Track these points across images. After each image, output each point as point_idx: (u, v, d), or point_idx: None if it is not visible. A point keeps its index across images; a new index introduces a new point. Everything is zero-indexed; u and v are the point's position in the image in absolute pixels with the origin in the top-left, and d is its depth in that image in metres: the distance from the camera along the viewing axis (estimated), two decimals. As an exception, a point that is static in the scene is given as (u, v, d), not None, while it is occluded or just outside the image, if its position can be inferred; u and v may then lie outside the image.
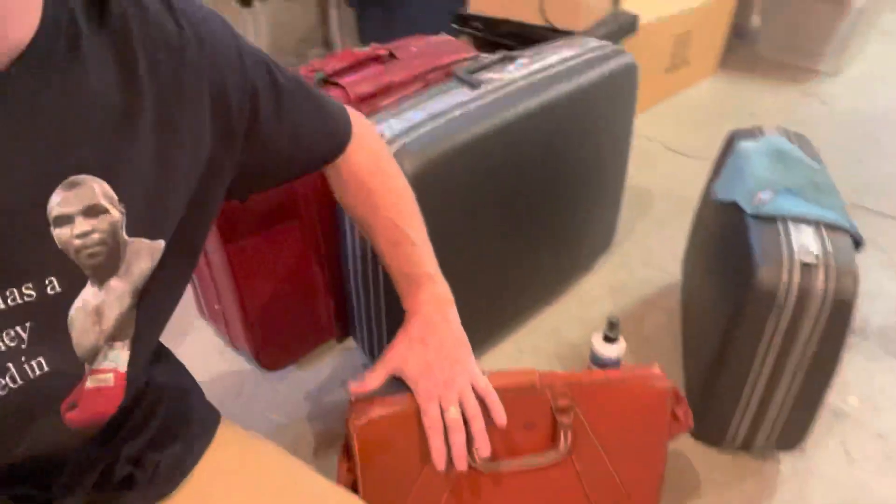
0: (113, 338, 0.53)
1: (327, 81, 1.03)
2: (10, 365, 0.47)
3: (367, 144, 0.73)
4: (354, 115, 0.73)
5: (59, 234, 0.45)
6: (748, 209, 0.94)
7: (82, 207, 0.46)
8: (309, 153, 0.68)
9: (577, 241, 1.34)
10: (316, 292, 1.15)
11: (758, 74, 2.21)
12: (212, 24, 0.54)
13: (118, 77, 0.47)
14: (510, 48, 1.59)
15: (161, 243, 0.51)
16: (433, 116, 0.97)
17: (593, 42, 1.24)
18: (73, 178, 0.45)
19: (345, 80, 1.03)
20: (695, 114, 2.00)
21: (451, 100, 1.02)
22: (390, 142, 0.92)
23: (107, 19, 0.47)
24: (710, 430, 1.03)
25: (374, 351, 1.16)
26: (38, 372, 0.48)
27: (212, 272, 1.10)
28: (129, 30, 0.48)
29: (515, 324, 1.27)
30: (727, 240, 1.01)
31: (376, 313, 1.09)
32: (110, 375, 0.56)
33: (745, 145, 1.07)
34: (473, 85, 1.06)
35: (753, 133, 1.12)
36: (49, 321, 0.47)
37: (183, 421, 0.66)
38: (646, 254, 1.46)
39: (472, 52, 1.19)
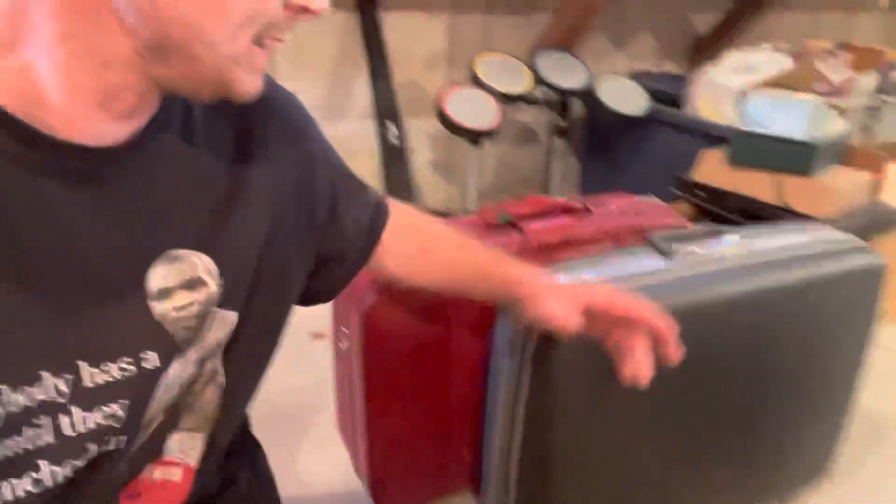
0: (189, 425, 0.51)
1: (510, 223, 0.99)
2: (91, 445, 0.46)
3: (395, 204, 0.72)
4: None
5: (158, 306, 0.46)
6: None
7: (182, 281, 0.47)
8: (370, 229, 0.66)
9: (774, 466, 1.07)
10: (451, 433, 1.05)
11: None
12: (304, 113, 0.59)
13: (228, 158, 0.50)
14: (736, 224, 1.44)
15: (234, 315, 0.51)
16: (607, 279, 0.87)
17: (831, 233, 1.05)
18: (174, 253, 0.47)
19: (529, 226, 0.98)
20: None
21: (635, 265, 0.90)
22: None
23: (217, 125, 0.51)
24: None
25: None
26: (113, 453, 0.47)
27: (351, 388, 1.07)
28: (242, 113, 0.51)
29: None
30: None
31: (507, 473, 0.95)
32: (179, 470, 0.54)
33: None
34: (666, 253, 0.93)
35: None
36: (142, 398, 0.47)
37: None
38: (874, 500, 1.13)
39: (681, 220, 1.07)
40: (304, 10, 0.44)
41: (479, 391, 1.01)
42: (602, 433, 0.89)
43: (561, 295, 0.65)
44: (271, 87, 0.54)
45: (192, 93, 0.45)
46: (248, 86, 0.45)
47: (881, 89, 2.09)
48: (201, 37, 0.41)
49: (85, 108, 0.41)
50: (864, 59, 2.09)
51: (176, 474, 0.54)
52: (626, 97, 1.88)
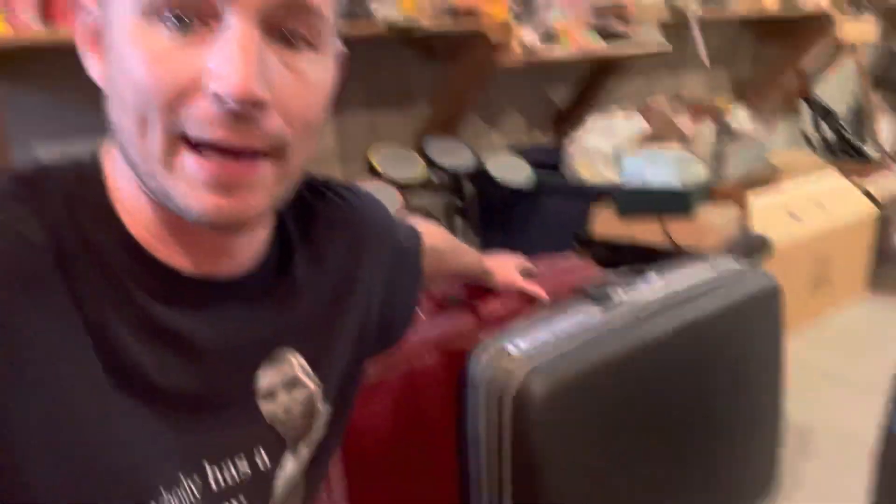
0: None
1: (460, 303, 1.04)
2: None
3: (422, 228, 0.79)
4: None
5: (265, 406, 0.50)
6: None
7: (284, 381, 0.51)
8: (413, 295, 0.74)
9: (729, 479, 1.16)
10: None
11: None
12: (385, 212, 0.65)
13: (328, 274, 0.55)
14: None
15: (328, 408, 0.55)
16: (565, 337, 0.93)
17: (728, 262, 1.19)
18: (276, 353, 0.51)
19: (478, 302, 1.04)
20: (848, 339, 1.83)
21: (583, 320, 0.98)
22: (518, 361, 0.88)
23: (314, 221, 0.55)
24: None
25: None
26: None
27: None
28: (336, 226, 0.56)
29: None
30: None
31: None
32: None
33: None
34: (604, 304, 1.02)
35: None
36: (262, 496, 0.51)
37: None
38: None
39: (600, 273, 1.17)
40: (217, 97, 0.38)
41: (458, 461, 1.02)
42: (580, 477, 0.93)
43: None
44: (357, 194, 0.60)
45: (167, 212, 0.43)
46: (191, 200, 0.40)
47: (718, 134, 2.42)
48: (123, 134, 0.41)
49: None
50: (699, 110, 2.41)
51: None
52: (512, 170, 2.03)
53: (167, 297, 0.45)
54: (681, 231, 1.57)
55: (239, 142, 0.40)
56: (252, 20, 0.39)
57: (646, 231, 1.61)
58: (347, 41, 0.50)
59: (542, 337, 0.93)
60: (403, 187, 1.84)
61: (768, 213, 1.80)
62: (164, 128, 0.39)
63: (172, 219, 0.43)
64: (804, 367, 1.66)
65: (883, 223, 2.11)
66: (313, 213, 0.55)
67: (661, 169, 1.58)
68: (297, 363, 0.52)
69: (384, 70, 2.01)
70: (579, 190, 1.91)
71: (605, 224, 1.68)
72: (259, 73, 0.38)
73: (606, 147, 1.93)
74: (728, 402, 1.12)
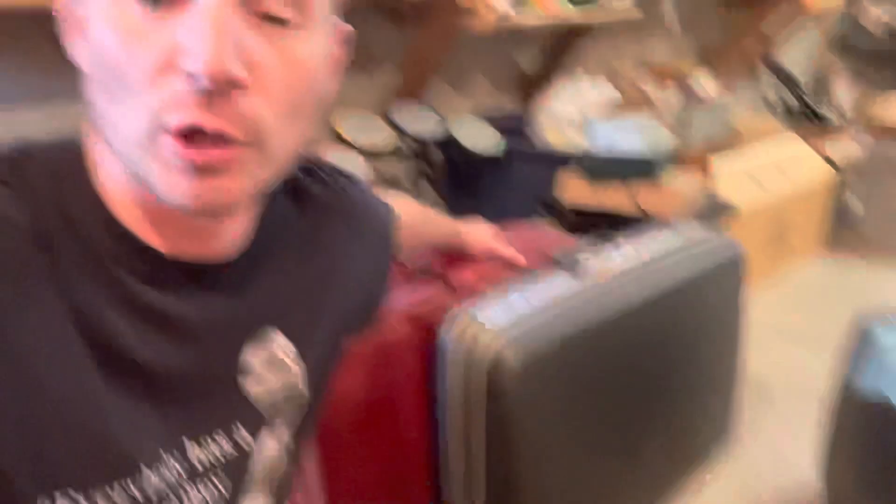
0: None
1: (428, 271, 1.03)
2: None
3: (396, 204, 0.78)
4: None
5: (247, 385, 0.50)
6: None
7: (267, 360, 0.51)
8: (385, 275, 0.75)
9: (690, 433, 1.20)
10: (407, 477, 1.06)
11: (866, 258, 2.10)
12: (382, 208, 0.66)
13: (317, 259, 0.55)
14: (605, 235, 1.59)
15: (308, 387, 0.55)
16: (538, 307, 0.94)
17: (697, 231, 1.21)
18: (261, 332, 0.51)
19: (447, 271, 1.03)
20: (804, 297, 1.89)
21: (555, 289, 0.98)
22: (491, 333, 0.88)
23: (309, 205, 0.55)
24: None
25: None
26: None
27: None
28: (331, 213, 0.57)
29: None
30: (889, 446, 0.87)
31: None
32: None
33: (889, 336, 0.96)
34: (575, 272, 1.02)
35: (889, 320, 1.01)
36: (240, 474, 0.51)
37: None
38: (777, 457, 1.29)
39: (570, 239, 1.18)
40: (189, 75, 0.36)
41: (429, 433, 1.03)
42: (552, 447, 0.95)
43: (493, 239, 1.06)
44: (355, 182, 0.61)
45: (149, 195, 0.41)
46: (169, 185, 0.39)
47: (684, 99, 2.43)
48: (103, 121, 0.40)
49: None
50: (664, 75, 2.42)
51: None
52: (479, 137, 2.02)
53: (151, 279, 0.44)
54: (647, 197, 1.58)
55: (215, 125, 0.37)
56: None
57: (613, 197, 1.62)
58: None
59: (514, 307, 0.94)
60: (370, 154, 1.82)
61: (731, 178, 1.83)
62: (141, 110, 0.37)
63: (155, 202, 0.42)
64: (761, 324, 1.71)
65: (840, 186, 2.16)
66: (308, 195, 0.55)
67: (629, 135, 1.59)
68: (280, 343, 0.52)
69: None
70: (546, 155, 1.91)
71: (573, 190, 1.68)
72: (233, 49, 0.36)
73: (574, 112, 1.92)
74: (692, 363, 1.15)
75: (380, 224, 0.65)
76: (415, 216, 0.85)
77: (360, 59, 2.07)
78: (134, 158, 0.39)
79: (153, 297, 0.44)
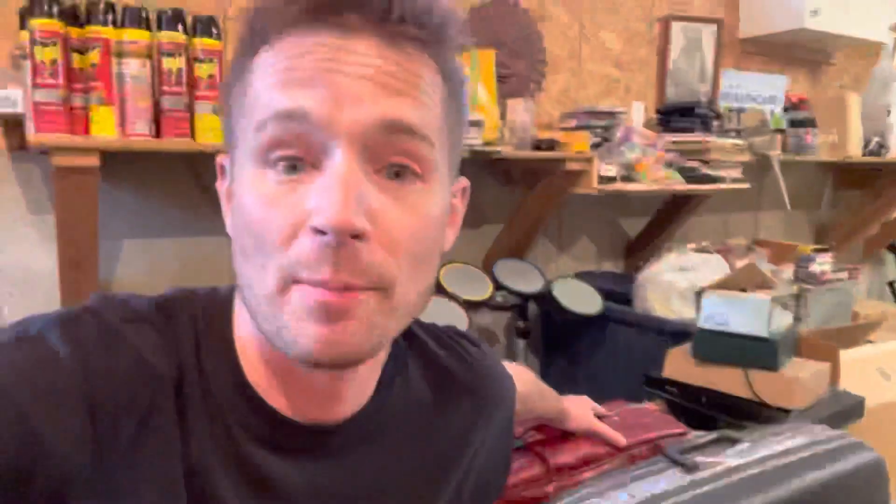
0: None
1: (525, 448, 0.97)
2: None
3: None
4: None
5: None
6: None
7: None
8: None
9: None
10: None
11: None
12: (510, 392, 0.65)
13: (438, 439, 0.53)
14: (712, 419, 1.47)
15: None
16: (644, 502, 0.85)
17: (823, 430, 1.09)
18: None
19: (545, 449, 0.97)
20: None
21: (663, 484, 0.89)
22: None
23: (437, 375, 0.54)
24: None
25: None
26: None
27: None
28: (459, 387, 0.56)
29: None
30: None
31: None
32: None
33: None
34: (688, 468, 0.93)
35: None
36: None
37: None
38: None
39: (682, 428, 1.08)
40: (317, 231, 0.39)
41: None
42: None
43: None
44: (487, 354, 0.60)
45: (275, 351, 0.44)
46: (297, 333, 0.40)
47: (799, 279, 2.32)
48: (243, 282, 0.43)
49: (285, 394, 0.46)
50: (780, 253, 2.34)
51: None
52: (580, 297, 1.99)
53: (268, 441, 0.45)
54: (764, 383, 1.46)
55: (341, 278, 0.39)
56: (355, 151, 0.39)
57: (723, 378, 1.51)
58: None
59: (620, 500, 0.85)
60: (469, 305, 1.82)
61: (857, 369, 1.67)
62: (276, 269, 0.40)
63: (283, 362, 0.45)
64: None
65: None
66: (438, 365, 0.54)
67: (743, 314, 1.50)
68: None
69: (460, 189, 2.05)
70: (651, 325, 1.84)
71: (679, 365, 1.58)
72: (357, 204, 0.38)
73: (682, 283, 1.86)
74: None
75: (505, 405, 0.63)
76: (530, 389, 0.82)
77: (468, 214, 2.14)
78: (266, 313, 0.41)
79: (263, 458, 0.45)
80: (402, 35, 0.40)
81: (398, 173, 0.41)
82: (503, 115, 1.88)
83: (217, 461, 0.43)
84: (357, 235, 0.38)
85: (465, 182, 0.51)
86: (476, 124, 1.69)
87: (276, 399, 0.46)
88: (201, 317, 0.47)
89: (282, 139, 0.40)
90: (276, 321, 0.41)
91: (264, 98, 0.40)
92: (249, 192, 0.41)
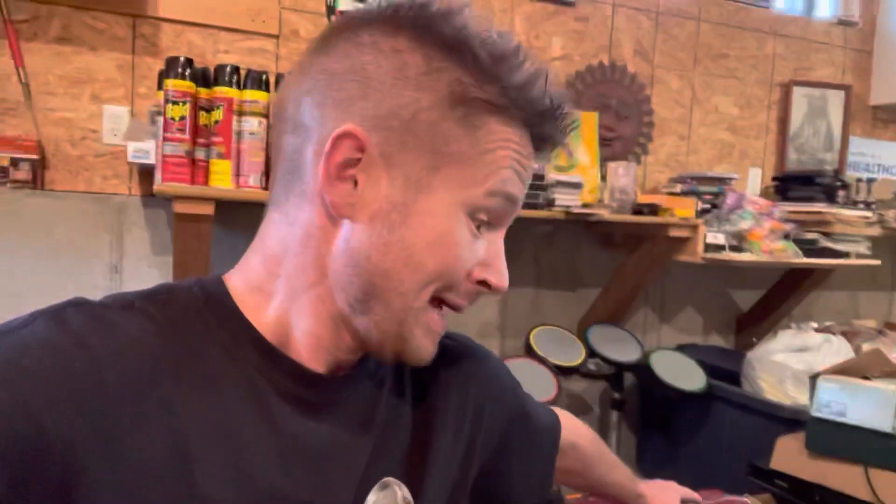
0: None
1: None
2: None
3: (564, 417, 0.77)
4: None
5: None
6: None
7: None
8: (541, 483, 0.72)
9: None
10: None
11: None
12: (495, 362, 0.67)
13: (425, 398, 0.57)
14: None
15: None
16: None
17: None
18: (385, 480, 0.52)
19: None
20: None
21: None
22: None
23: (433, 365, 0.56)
24: None
25: None
26: None
27: None
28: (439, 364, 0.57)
29: None
30: None
31: None
32: None
33: None
34: (786, 575, 0.82)
35: None
36: None
37: None
38: None
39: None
40: (486, 284, 0.49)
41: None
42: None
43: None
44: (467, 343, 0.65)
45: (377, 346, 0.50)
46: (423, 345, 0.50)
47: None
48: (398, 286, 0.47)
49: (316, 351, 0.50)
50: (915, 338, 2.09)
51: None
52: (681, 371, 1.86)
53: (294, 395, 0.49)
54: (887, 484, 1.28)
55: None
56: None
57: (840, 475, 1.34)
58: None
59: None
60: (560, 371, 1.76)
61: None
62: (431, 292, 0.48)
63: (325, 338, 0.50)
64: None
65: None
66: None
67: (866, 405, 1.34)
68: (400, 495, 0.52)
69: (558, 252, 2.02)
70: (761, 408, 1.68)
71: (790, 456, 1.43)
72: None
73: (798, 365, 1.71)
74: None
75: (508, 389, 0.67)
76: (585, 444, 0.78)
77: (565, 275, 2.10)
78: (404, 323, 0.48)
79: (292, 418, 0.48)
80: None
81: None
82: (604, 178, 1.85)
83: (247, 420, 0.46)
84: None
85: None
86: (575, 185, 1.67)
87: (297, 356, 0.50)
88: (202, 298, 0.49)
89: (500, 212, 0.49)
90: (409, 330, 0.48)
91: (504, 175, 0.48)
92: (451, 230, 0.47)
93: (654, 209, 1.68)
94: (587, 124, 1.85)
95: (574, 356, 1.82)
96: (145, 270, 1.61)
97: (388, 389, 0.55)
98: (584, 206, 1.67)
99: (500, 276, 0.50)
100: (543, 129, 0.49)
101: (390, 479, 0.52)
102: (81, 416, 0.40)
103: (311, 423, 0.49)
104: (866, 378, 1.40)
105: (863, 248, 1.94)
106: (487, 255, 0.50)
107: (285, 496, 0.47)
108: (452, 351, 0.61)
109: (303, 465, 0.48)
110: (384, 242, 0.46)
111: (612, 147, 2.00)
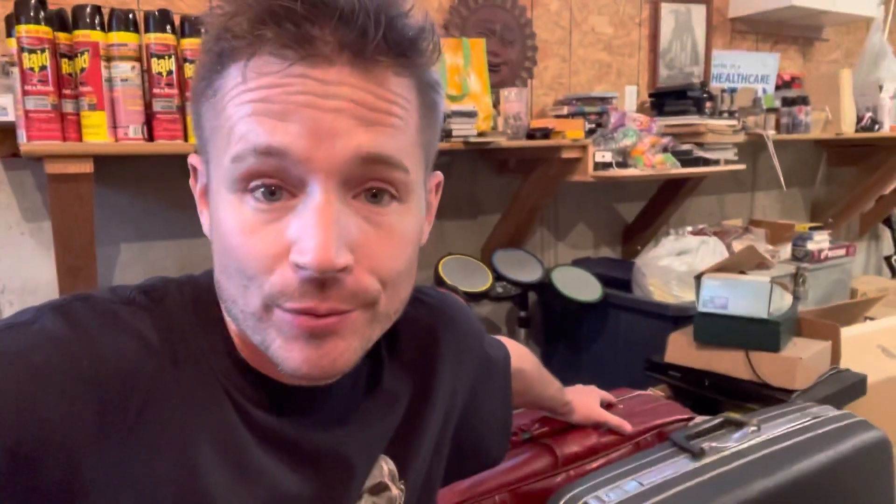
0: None
1: (533, 440, 0.98)
2: None
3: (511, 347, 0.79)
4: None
5: None
6: None
7: (370, 486, 0.52)
8: (504, 427, 0.76)
9: None
10: None
11: None
12: (469, 315, 0.65)
13: (414, 371, 0.57)
14: (715, 402, 1.48)
15: None
16: (653, 489, 0.85)
17: (827, 410, 1.09)
18: (379, 483, 0.52)
19: (553, 441, 0.97)
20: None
21: (671, 470, 0.90)
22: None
23: (399, 349, 0.56)
24: None
25: None
26: None
27: None
28: (428, 333, 0.58)
29: None
30: None
31: None
32: None
33: None
34: (695, 454, 0.93)
35: None
36: None
37: None
38: None
39: (686, 413, 1.09)
40: (297, 267, 0.39)
41: None
42: None
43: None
44: (441, 298, 0.62)
45: (262, 358, 0.45)
46: (285, 353, 0.41)
47: (796, 258, 2.33)
48: (226, 296, 0.43)
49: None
50: (776, 232, 2.34)
51: None
52: (579, 284, 1.99)
53: (272, 407, 0.47)
54: (766, 365, 1.47)
55: (326, 308, 0.40)
56: (332, 184, 0.39)
57: (725, 361, 1.51)
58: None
59: (626, 490, 0.86)
60: (469, 297, 1.82)
61: (857, 346, 1.68)
62: (256, 291, 0.41)
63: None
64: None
65: None
66: (412, 321, 0.57)
67: (743, 296, 1.50)
68: (386, 468, 0.52)
69: (456, 181, 2.04)
70: (651, 309, 1.84)
71: (681, 349, 1.59)
72: (338, 240, 0.39)
73: (681, 267, 1.87)
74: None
75: (473, 337, 0.66)
76: (530, 369, 0.83)
77: (465, 205, 2.15)
78: (253, 328, 0.42)
79: (275, 423, 0.47)
80: (375, 61, 0.40)
81: (375, 195, 0.41)
82: (496, 104, 1.87)
83: (236, 423, 0.45)
84: (339, 270, 0.39)
85: (439, 177, 0.51)
86: (469, 115, 1.68)
87: (267, 370, 0.47)
88: (190, 299, 0.48)
89: (260, 171, 0.39)
90: (264, 336, 0.42)
91: (241, 129, 0.39)
92: (228, 218, 0.41)
93: (546, 133, 1.73)
94: (476, 51, 1.85)
95: (482, 282, 1.88)
96: (18, 238, 1.47)
97: (366, 378, 0.54)
98: (480, 134, 1.69)
99: (301, 252, 0.38)
100: (282, 29, 0.38)
101: (380, 474, 0.52)
102: (87, 416, 0.39)
103: (292, 430, 0.48)
104: (743, 273, 1.57)
105: (730, 154, 2.12)
106: (293, 232, 0.39)
107: (292, 497, 0.47)
108: (423, 321, 0.59)
109: (301, 469, 0.48)
110: (215, 253, 0.44)
111: (500, 73, 2.02)
